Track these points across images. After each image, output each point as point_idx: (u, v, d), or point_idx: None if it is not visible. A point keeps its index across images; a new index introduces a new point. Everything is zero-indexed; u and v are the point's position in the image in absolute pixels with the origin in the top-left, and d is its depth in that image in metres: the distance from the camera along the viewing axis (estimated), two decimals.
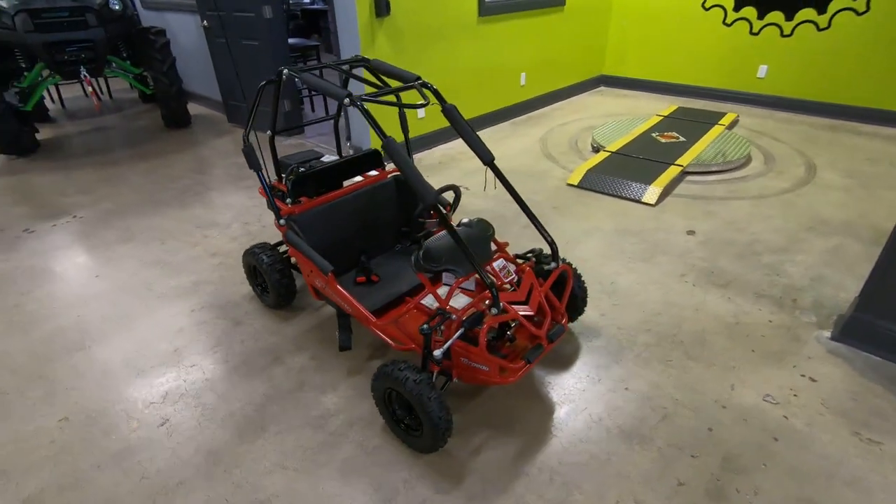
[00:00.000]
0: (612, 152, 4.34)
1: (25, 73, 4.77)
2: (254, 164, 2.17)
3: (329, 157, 2.78)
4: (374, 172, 2.70)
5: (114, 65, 5.22)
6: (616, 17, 6.38)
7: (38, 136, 5.13)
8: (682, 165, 4.01)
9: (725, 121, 5.01)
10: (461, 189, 2.63)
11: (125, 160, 4.68)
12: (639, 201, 3.66)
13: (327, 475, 1.75)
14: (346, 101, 1.79)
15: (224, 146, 5.05)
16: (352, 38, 3.88)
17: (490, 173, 4.28)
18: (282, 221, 2.23)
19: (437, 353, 1.70)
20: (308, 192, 2.40)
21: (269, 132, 2.35)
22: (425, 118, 4.68)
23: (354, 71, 3.33)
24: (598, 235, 3.24)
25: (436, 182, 4.04)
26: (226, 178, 4.26)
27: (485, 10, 4.74)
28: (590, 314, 2.52)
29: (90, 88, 4.81)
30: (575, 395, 2.06)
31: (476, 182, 4.05)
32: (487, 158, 1.99)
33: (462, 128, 1.98)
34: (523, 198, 3.29)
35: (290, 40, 5.62)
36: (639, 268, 2.89)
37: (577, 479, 1.72)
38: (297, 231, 2.24)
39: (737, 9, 5.46)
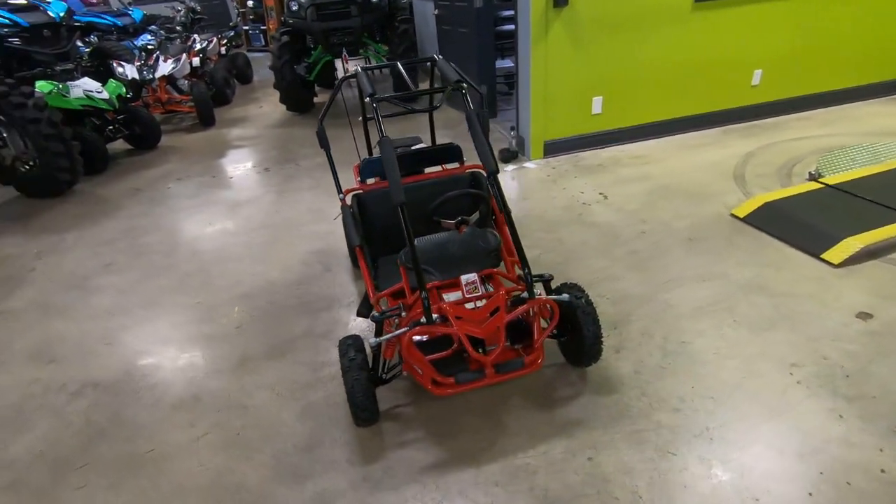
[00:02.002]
0: (828, 185, 3.26)
1: (311, 52, 6.34)
2: (324, 144, 2.58)
3: (421, 145, 3.00)
4: (453, 165, 2.81)
5: (369, 46, 6.44)
6: None
7: (316, 100, 6.79)
8: None
9: None
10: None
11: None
12: (816, 256, 2.73)
13: (292, 408, 2.13)
14: (367, 99, 2.00)
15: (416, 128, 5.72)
16: (525, 28, 3.89)
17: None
18: (341, 196, 2.61)
19: (372, 341, 1.83)
20: (380, 174, 2.70)
21: (359, 118, 2.71)
22: (607, 117, 4.35)
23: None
24: (714, 284, 2.61)
25: (577, 187, 3.81)
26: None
27: None
28: (623, 365, 2.16)
29: (347, 65, 6.08)
30: (527, 443, 1.89)
31: (618, 193, 3.65)
32: (490, 169, 1.92)
33: (475, 133, 1.94)
34: (658, 221, 2.90)
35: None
36: (735, 336, 2.26)
37: None
38: (356, 208, 2.57)
39: None
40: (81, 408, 2.26)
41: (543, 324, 1.97)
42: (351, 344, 1.90)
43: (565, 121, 4.27)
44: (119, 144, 5.85)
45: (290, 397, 2.19)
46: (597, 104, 4.27)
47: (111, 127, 5.43)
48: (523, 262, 1.92)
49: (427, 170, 2.77)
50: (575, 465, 1.78)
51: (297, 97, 6.27)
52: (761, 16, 4.23)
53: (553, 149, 4.35)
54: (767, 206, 3.13)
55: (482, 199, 2.31)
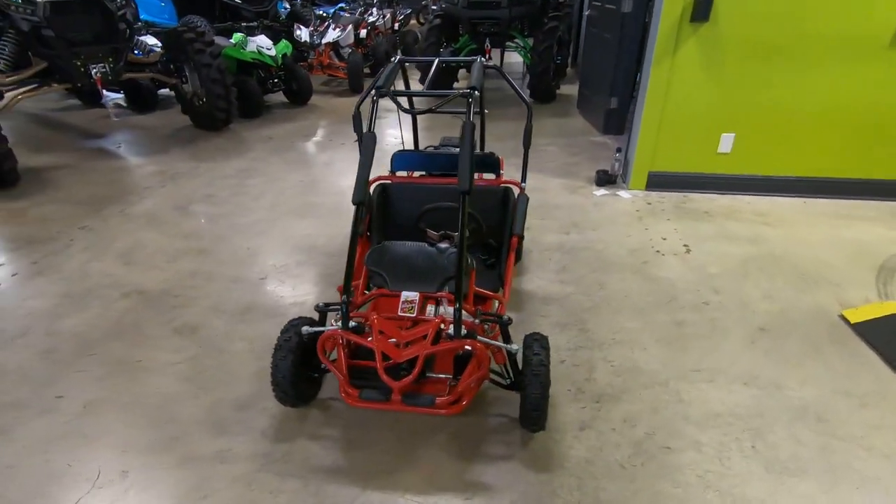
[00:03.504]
0: None
1: (459, 38, 6.43)
2: (357, 128, 2.58)
3: None
4: (490, 176, 2.62)
5: (516, 39, 6.29)
6: None
7: (456, 85, 6.91)
8: None
9: None
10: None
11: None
12: None
13: (253, 367, 2.25)
14: (373, 92, 1.96)
15: (540, 127, 5.44)
16: (651, 41, 3.41)
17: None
18: None
19: (304, 329, 1.83)
20: (412, 169, 2.64)
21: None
22: (735, 159, 3.65)
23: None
24: (757, 394, 2.06)
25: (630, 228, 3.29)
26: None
27: None
28: (578, 446, 1.84)
29: (489, 58, 6.05)
30: (423, 487, 1.73)
31: (708, 250, 3.05)
32: (461, 188, 1.73)
33: (463, 147, 1.78)
34: (736, 296, 2.43)
35: None
36: (740, 468, 1.77)
37: None
38: (383, 195, 2.56)
39: None
40: (121, 308, 2.69)
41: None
42: (296, 325, 1.94)
43: (681, 154, 3.69)
44: (278, 97, 6.70)
45: (258, 356, 2.33)
46: (726, 142, 3.60)
47: (273, 80, 6.23)
48: (473, 297, 1.73)
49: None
50: None
51: (434, 80, 6.43)
52: None
53: (658, 182, 3.81)
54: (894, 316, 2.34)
55: (474, 219, 2.13)
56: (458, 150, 2.82)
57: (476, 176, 2.68)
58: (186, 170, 4.52)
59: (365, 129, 1.85)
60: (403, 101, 2.30)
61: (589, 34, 5.43)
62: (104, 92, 6.81)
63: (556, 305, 2.62)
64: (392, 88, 2.00)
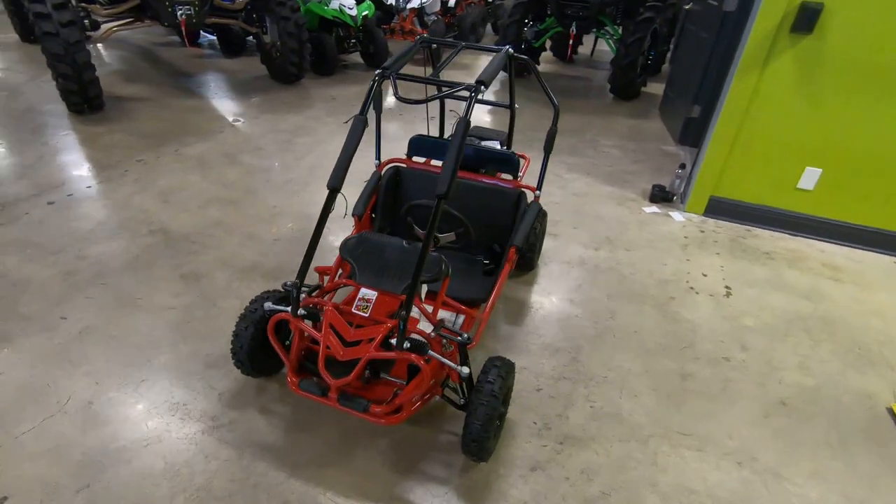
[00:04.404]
0: None
1: (546, 19, 6.04)
2: (377, 105, 2.46)
3: (492, 143, 2.63)
4: (507, 177, 2.43)
5: (606, 26, 5.80)
6: None
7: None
8: None
9: None
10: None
11: (572, 104, 5.48)
12: None
13: (233, 308, 2.30)
14: (378, 71, 1.85)
15: (615, 127, 5.03)
16: (742, 47, 2.97)
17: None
18: (377, 162, 2.50)
19: (266, 305, 1.81)
20: (429, 156, 2.50)
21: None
22: (817, 199, 3.15)
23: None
24: (749, 476, 1.78)
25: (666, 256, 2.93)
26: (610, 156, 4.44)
27: None
28: (521, 487, 1.70)
29: (572, 43, 5.66)
30: (348, 488, 1.68)
31: (750, 298, 2.68)
32: (438, 190, 1.58)
33: (451, 147, 1.62)
34: (763, 359, 2.16)
35: None
36: None
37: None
38: (394, 179, 2.46)
39: None
40: (144, 244, 2.85)
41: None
42: (266, 297, 1.92)
43: (752, 181, 3.24)
44: (355, 57, 6.72)
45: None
46: (809, 177, 3.11)
47: (351, 41, 6.24)
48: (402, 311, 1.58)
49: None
50: None
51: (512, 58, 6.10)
52: None
53: (719, 208, 3.39)
54: None
55: (460, 223, 1.99)
56: (484, 142, 2.66)
57: (493, 174, 2.52)
58: (247, 119, 4.68)
59: (361, 115, 1.75)
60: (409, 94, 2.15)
61: (685, 30, 4.88)
62: (201, 32, 7.20)
63: (555, 326, 2.42)
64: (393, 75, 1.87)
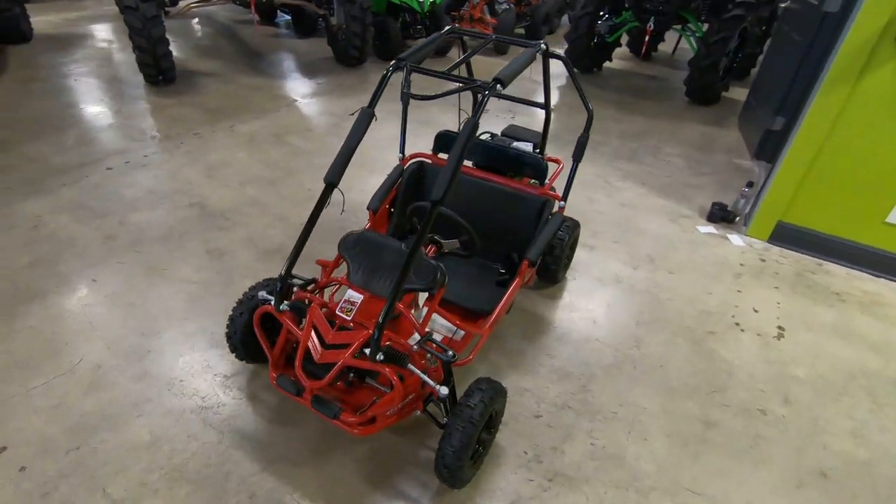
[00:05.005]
0: None
1: (623, 13, 5.64)
2: (405, 99, 2.34)
3: (524, 145, 2.44)
4: (533, 182, 2.25)
5: (688, 23, 5.32)
6: None
7: (607, 65, 6.19)
8: None
9: None
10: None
11: (605, 102, 5.15)
12: None
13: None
14: (393, 62, 1.76)
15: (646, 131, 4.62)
16: (833, 55, 2.58)
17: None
18: (400, 156, 2.40)
19: (260, 294, 1.78)
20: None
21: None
22: (890, 233, 2.71)
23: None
24: None
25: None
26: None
27: None
28: None
29: (648, 39, 5.25)
30: (317, 492, 1.63)
31: (807, 342, 2.34)
32: (434, 196, 1.46)
33: (454, 150, 1.49)
34: (809, 415, 1.95)
35: None
36: None
37: (196, 479, 1.60)
38: (417, 174, 2.36)
39: None
40: (181, 216, 2.95)
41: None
42: (266, 285, 1.90)
43: (829, 209, 2.84)
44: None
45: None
46: None
47: (417, 27, 6.17)
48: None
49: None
50: None
51: (582, 53, 5.77)
52: None
53: (787, 236, 3.00)
54: None
55: (464, 229, 1.85)
56: (515, 142, 2.50)
57: (519, 178, 2.36)
58: (304, 100, 4.75)
59: (368, 109, 1.66)
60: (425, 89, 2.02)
61: (777, 32, 4.36)
62: (278, 12, 7.42)
63: (570, 347, 2.24)
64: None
